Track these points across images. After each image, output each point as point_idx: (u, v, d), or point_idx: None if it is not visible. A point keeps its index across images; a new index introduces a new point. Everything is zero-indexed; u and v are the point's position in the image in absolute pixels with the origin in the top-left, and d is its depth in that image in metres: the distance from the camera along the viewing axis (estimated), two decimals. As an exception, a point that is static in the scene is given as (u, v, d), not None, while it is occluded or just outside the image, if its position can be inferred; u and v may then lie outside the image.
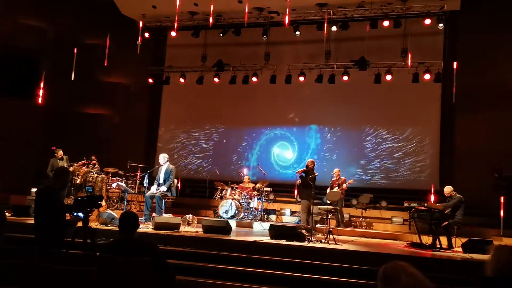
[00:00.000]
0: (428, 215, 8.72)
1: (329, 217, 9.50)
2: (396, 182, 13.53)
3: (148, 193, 9.76)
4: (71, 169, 11.57)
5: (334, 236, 8.36)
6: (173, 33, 13.95)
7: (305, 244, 7.85)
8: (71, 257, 4.45)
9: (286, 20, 12.39)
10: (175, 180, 10.47)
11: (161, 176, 9.78)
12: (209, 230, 8.75)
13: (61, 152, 11.79)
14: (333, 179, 11.42)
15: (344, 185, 11.30)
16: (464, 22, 13.15)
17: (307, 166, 9.95)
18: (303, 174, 9.86)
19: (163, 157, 9.90)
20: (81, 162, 12.14)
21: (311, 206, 9.55)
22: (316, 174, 9.70)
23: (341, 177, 11.43)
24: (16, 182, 12.64)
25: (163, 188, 9.63)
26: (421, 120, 13.54)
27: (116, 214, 9.30)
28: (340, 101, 14.25)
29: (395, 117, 13.80)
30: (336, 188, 11.17)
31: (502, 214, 10.31)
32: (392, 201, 12.18)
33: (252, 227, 10.82)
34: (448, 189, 9.13)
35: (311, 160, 10.20)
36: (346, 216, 11.64)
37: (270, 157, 15.00)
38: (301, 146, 14.78)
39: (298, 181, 10.24)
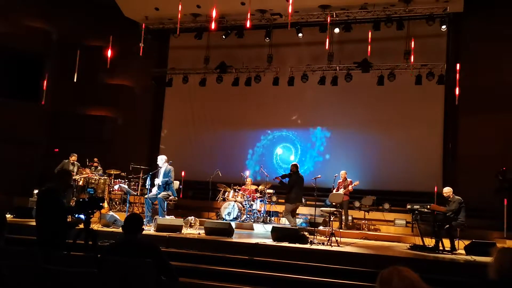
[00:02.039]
0: (431, 217, 8.69)
1: (332, 219, 9.48)
2: (399, 184, 13.43)
3: (149, 195, 9.75)
4: (77, 177, 11.54)
5: (337, 238, 8.34)
6: (175, 35, 13.95)
7: (307, 246, 7.84)
8: (73, 258, 4.45)
9: (289, 22, 12.36)
10: (176, 182, 10.46)
11: (161, 178, 9.77)
12: (212, 232, 8.76)
13: (75, 157, 11.58)
14: (339, 180, 11.40)
15: (350, 186, 11.27)
16: (467, 24, 13.12)
17: (291, 170, 9.93)
18: (284, 179, 9.77)
19: (161, 159, 9.88)
20: (88, 171, 12.13)
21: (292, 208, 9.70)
22: (319, 176, 9.67)
23: (348, 179, 11.42)
24: (20, 184, 12.66)
25: (159, 181, 9.57)
26: (424, 122, 13.46)
27: (119, 216, 9.31)
28: (343, 103, 14.22)
29: (398, 119, 13.74)
30: (342, 189, 11.15)
31: (505, 216, 10.25)
32: (395, 203, 12.12)
33: (253, 229, 10.80)
34: (447, 190, 9.08)
35: (294, 163, 10.11)
36: (349, 218, 11.59)
37: (273, 159, 14.98)
38: (303, 148, 14.75)
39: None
